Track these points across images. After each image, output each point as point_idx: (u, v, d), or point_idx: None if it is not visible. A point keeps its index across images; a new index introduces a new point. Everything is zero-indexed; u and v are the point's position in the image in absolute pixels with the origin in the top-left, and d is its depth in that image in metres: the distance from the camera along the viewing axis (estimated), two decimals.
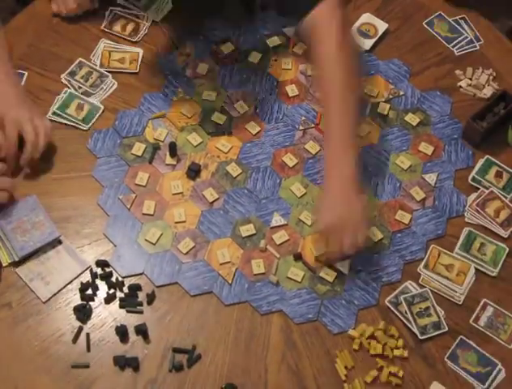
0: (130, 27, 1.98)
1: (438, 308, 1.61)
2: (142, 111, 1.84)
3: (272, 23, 2.02)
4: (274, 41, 1.98)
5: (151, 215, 1.69)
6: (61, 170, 1.76)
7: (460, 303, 1.63)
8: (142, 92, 1.88)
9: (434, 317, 1.59)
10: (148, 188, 1.74)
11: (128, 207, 1.71)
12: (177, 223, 1.69)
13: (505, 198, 1.75)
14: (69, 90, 1.85)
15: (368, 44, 1.98)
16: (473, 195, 1.75)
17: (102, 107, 1.84)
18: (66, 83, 1.87)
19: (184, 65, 1.93)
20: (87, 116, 1.82)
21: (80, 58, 1.90)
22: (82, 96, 1.85)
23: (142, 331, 1.54)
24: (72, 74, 1.88)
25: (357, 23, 2.01)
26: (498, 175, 1.78)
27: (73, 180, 1.74)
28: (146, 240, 1.66)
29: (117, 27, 1.98)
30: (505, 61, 1.99)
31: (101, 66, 1.91)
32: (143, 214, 1.70)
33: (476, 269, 1.67)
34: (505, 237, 1.71)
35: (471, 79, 1.93)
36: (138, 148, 1.79)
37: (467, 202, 1.75)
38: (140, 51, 1.94)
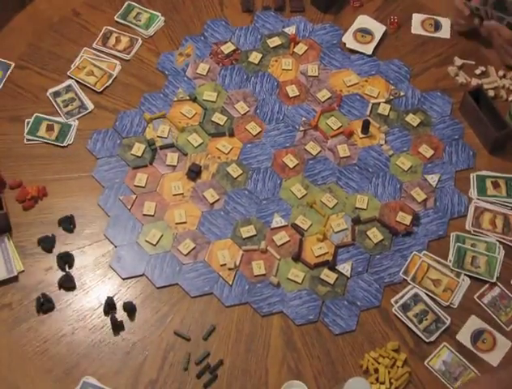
0: (124, 41, 1.96)
1: (432, 303, 1.61)
2: (143, 111, 1.84)
3: (273, 24, 2.02)
4: (274, 42, 1.98)
5: (152, 216, 1.69)
6: (62, 171, 1.76)
7: (455, 306, 1.63)
8: (142, 93, 1.88)
9: (432, 315, 1.59)
10: (148, 189, 1.73)
11: (128, 207, 1.70)
12: (177, 224, 1.69)
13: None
14: (35, 113, 1.82)
15: (369, 49, 1.97)
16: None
17: (73, 124, 1.82)
18: (50, 99, 1.86)
19: (184, 65, 1.93)
20: (60, 134, 1.80)
21: (70, 81, 1.88)
22: (49, 117, 1.83)
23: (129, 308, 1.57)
24: (57, 94, 1.86)
25: (353, 29, 2.00)
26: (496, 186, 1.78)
27: (73, 180, 1.74)
28: (146, 241, 1.66)
29: (112, 41, 1.96)
30: None
31: (72, 72, 1.90)
32: (144, 215, 1.69)
33: (473, 277, 1.66)
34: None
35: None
36: (138, 149, 1.78)
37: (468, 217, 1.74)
38: (116, 70, 1.91)
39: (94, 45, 1.95)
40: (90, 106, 1.85)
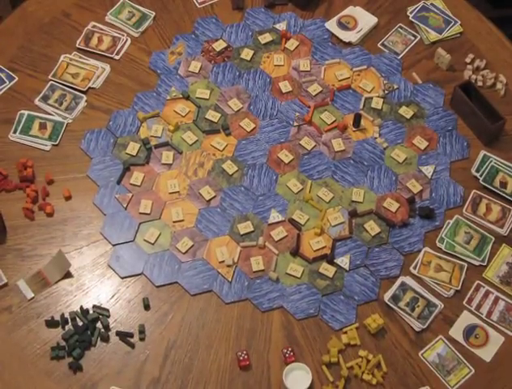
0: (107, 41, 1.95)
1: (421, 289, 1.62)
2: (136, 111, 1.84)
3: (263, 20, 2.02)
4: (265, 38, 1.98)
5: (148, 214, 1.69)
6: (57, 172, 1.75)
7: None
8: (135, 92, 1.88)
9: (423, 301, 1.60)
10: (144, 187, 1.73)
11: (124, 206, 1.70)
12: (175, 222, 1.68)
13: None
14: (26, 112, 1.81)
15: (353, 37, 1.98)
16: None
17: (65, 122, 1.81)
18: (40, 107, 1.84)
19: (176, 64, 1.93)
20: (53, 132, 1.79)
21: (50, 82, 1.88)
22: (41, 115, 1.81)
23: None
24: (45, 98, 1.85)
25: (339, 15, 2.02)
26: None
27: (69, 182, 1.74)
28: (144, 240, 1.66)
29: (94, 41, 1.95)
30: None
31: (53, 75, 1.88)
32: (140, 213, 1.69)
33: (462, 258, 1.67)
34: (505, 235, 1.71)
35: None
36: (133, 148, 1.78)
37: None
38: (99, 68, 1.90)
39: (77, 46, 1.94)
40: (83, 95, 1.85)
